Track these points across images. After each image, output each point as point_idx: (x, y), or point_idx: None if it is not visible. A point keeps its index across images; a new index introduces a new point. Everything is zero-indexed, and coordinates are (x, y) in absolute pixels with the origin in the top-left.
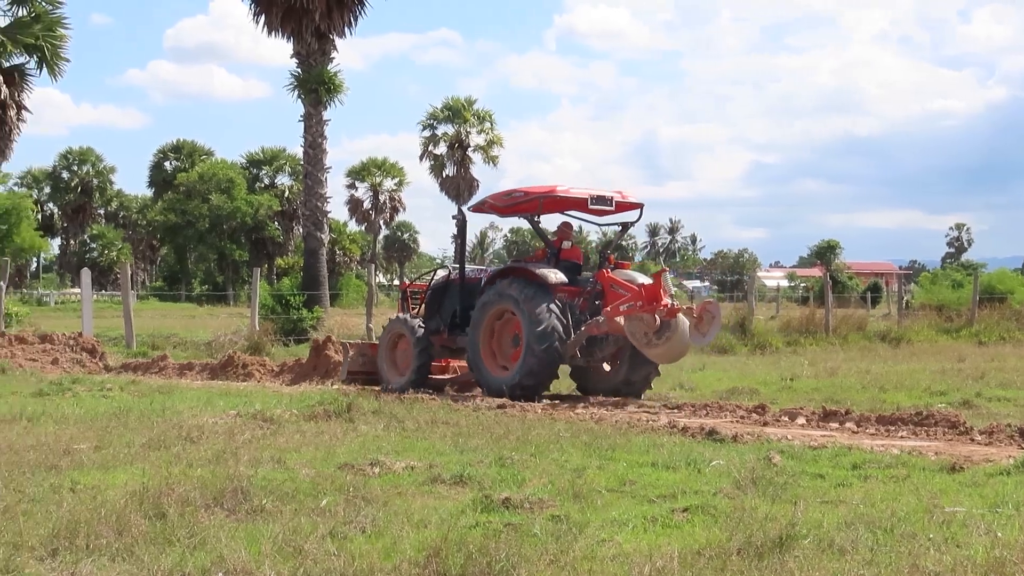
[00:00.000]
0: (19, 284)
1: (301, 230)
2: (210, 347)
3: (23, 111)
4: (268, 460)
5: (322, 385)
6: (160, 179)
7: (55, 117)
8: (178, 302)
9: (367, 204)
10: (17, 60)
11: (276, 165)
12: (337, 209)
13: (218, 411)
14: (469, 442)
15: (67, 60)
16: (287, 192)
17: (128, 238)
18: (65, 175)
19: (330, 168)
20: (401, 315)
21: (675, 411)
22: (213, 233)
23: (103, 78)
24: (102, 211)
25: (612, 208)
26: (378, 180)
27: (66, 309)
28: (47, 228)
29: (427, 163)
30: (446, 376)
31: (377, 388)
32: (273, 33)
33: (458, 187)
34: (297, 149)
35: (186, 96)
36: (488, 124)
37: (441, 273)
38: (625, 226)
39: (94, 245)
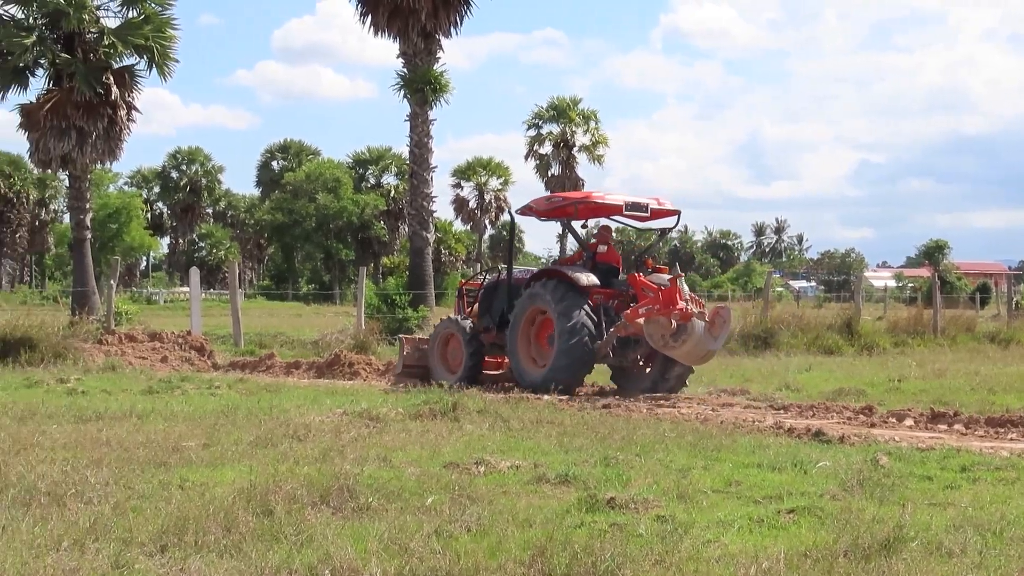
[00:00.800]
0: (129, 283)
1: (407, 229)
2: (317, 346)
3: (133, 111)
4: (374, 458)
5: (425, 384)
6: (268, 179)
7: (164, 117)
8: (285, 301)
9: (472, 203)
10: (128, 61)
11: (382, 165)
12: (443, 208)
13: (325, 409)
14: (574, 442)
15: (176, 61)
16: (393, 192)
17: (236, 237)
18: (174, 175)
19: (436, 168)
20: (452, 316)
21: (781, 412)
22: (320, 232)
23: (212, 78)
24: (210, 210)
25: (647, 215)
26: (484, 179)
27: (175, 307)
28: (156, 227)
29: (532, 162)
30: (499, 372)
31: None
32: (379, 33)
33: (563, 186)
34: (403, 149)
35: (293, 96)
36: (593, 123)
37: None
38: (663, 232)
39: (202, 244)
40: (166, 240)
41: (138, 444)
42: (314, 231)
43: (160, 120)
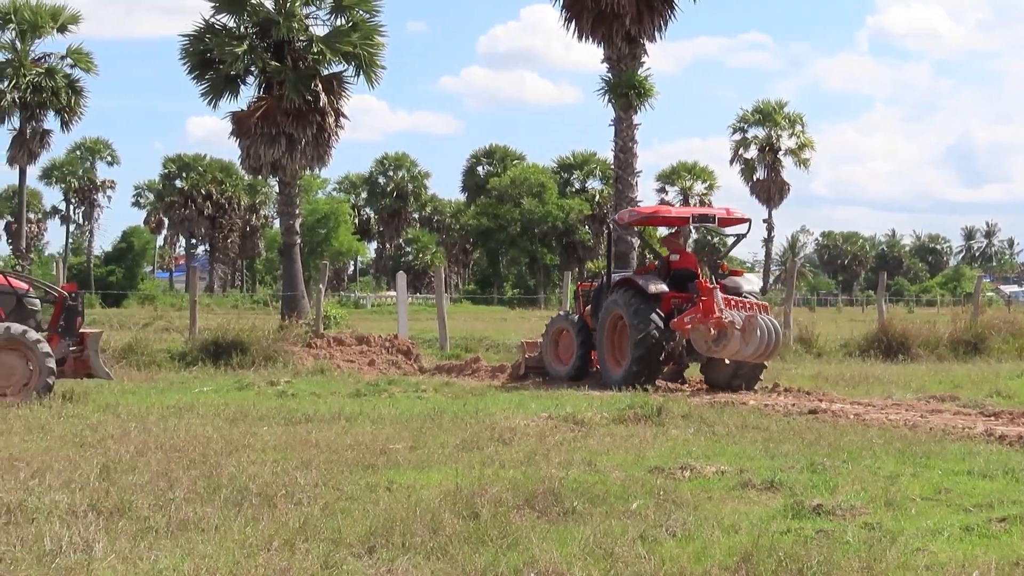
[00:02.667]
0: (337, 287)
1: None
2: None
3: (341, 118)
4: (579, 462)
5: (632, 389)
6: (473, 184)
7: (372, 123)
8: (490, 305)
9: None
10: (336, 68)
11: (587, 169)
12: None
13: (530, 413)
14: (780, 447)
15: (383, 67)
16: (597, 196)
17: (442, 242)
18: (381, 180)
19: (640, 172)
20: (562, 312)
21: (992, 419)
22: (525, 237)
23: (418, 84)
24: (417, 215)
25: (715, 224)
26: (688, 184)
27: (382, 311)
28: (364, 232)
29: (737, 167)
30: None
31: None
32: (584, 39)
33: (768, 190)
34: (608, 153)
35: (498, 101)
36: (799, 127)
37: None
38: (737, 238)
39: (409, 249)
40: (373, 245)
41: (346, 446)
42: (519, 236)
43: (368, 126)
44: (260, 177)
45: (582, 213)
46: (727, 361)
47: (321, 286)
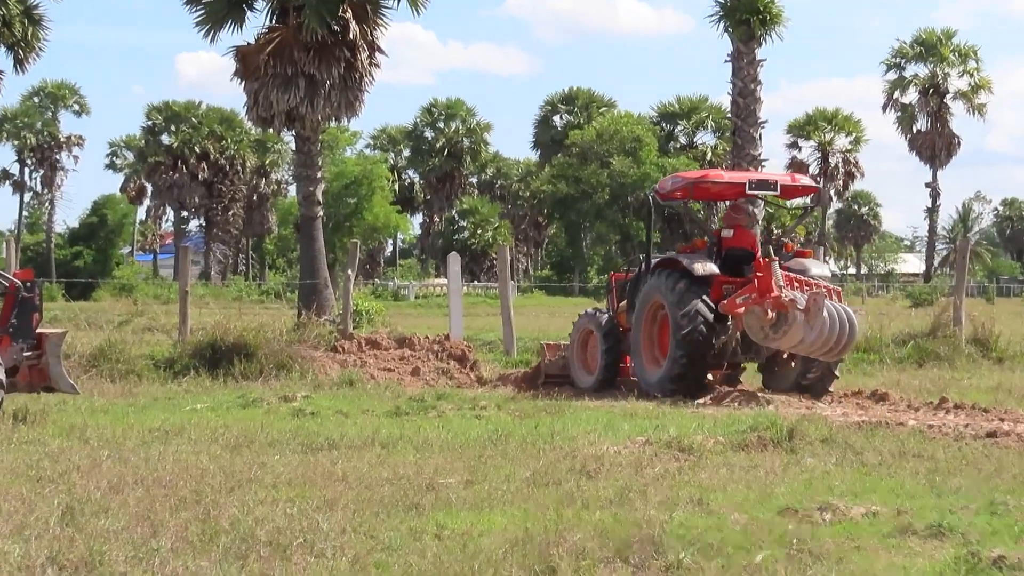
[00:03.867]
0: (371, 273)
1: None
2: None
3: (376, 53)
4: (686, 501)
5: (754, 406)
6: (547, 138)
7: (417, 61)
8: (570, 296)
9: (813, 168)
10: None
11: (696, 119)
12: None
13: (621, 437)
14: (949, 481)
15: None
16: (709, 153)
17: (507, 214)
18: (429, 134)
19: (765, 122)
20: (590, 309)
21: None
22: (614, 207)
23: (477, 9)
24: (474, 180)
25: (776, 192)
26: (828, 137)
27: (429, 305)
28: (406, 202)
29: (892, 114)
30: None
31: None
32: None
33: (932, 145)
34: (723, 98)
35: (580, 32)
36: (972, 63)
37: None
38: (805, 211)
39: (464, 223)
40: (418, 218)
41: (383, 481)
42: (607, 205)
43: (412, 64)
44: (271, 131)
45: None
46: (790, 361)
47: (350, 272)
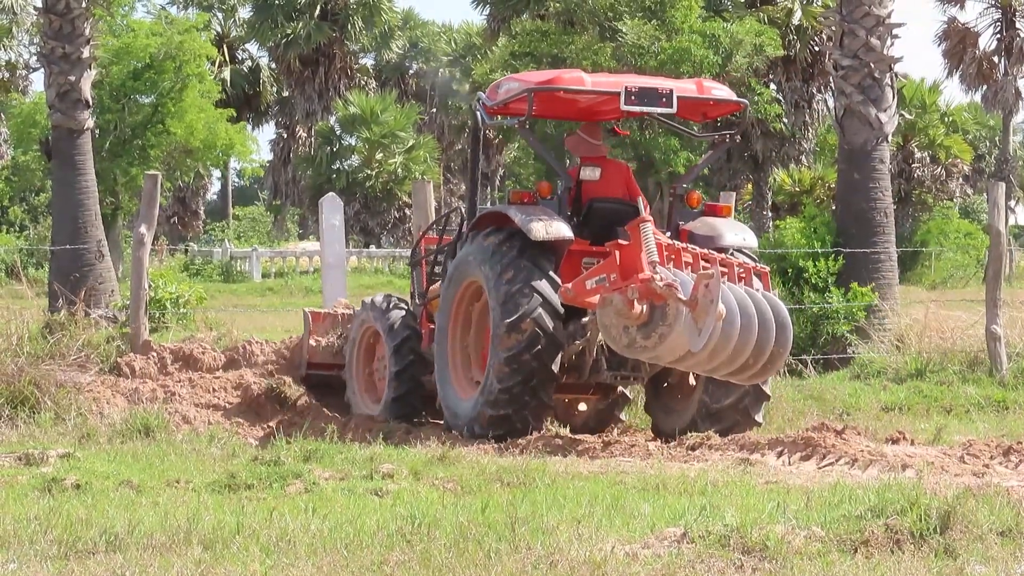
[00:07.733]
0: (183, 232)
1: (832, 109)
2: None
3: None
4: None
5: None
6: None
7: None
8: None
9: (986, 40)
10: None
11: None
12: (913, 57)
13: (638, 528)
14: None
15: None
16: (799, 12)
17: (429, 125)
18: None
19: None
20: (373, 298)
21: None
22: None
23: None
24: (369, 61)
25: (671, 108)
26: None
27: (287, 289)
28: (244, 102)
29: None
30: None
31: None
32: None
33: None
34: None
35: None
36: None
37: None
38: (715, 143)
39: (351, 140)
40: (267, 133)
41: None
42: None
43: None
44: None
45: (758, 56)
46: (691, 381)
47: (144, 230)
